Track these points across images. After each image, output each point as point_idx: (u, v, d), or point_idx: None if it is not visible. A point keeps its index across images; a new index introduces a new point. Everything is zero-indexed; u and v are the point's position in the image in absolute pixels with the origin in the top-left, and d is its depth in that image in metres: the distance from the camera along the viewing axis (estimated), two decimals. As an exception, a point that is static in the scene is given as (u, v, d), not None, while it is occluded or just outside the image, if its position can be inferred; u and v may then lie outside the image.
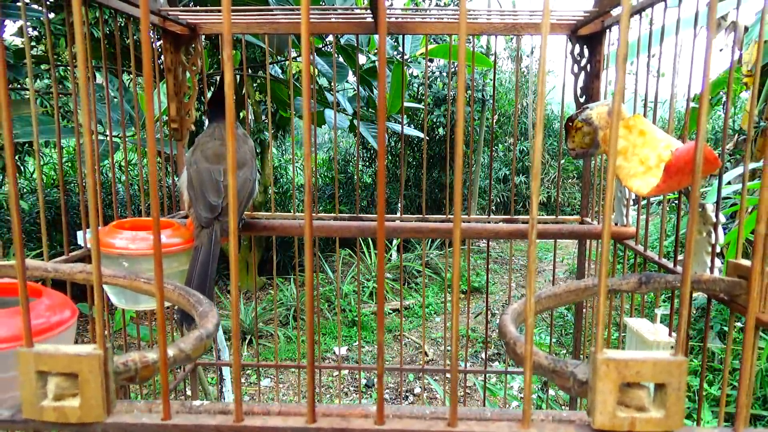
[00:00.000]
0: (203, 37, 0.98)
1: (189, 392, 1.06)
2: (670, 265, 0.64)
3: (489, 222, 0.94)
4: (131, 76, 0.89)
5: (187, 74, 0.99)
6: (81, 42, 0.23)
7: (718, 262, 0.50)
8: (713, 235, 0.50)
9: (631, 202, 0.76)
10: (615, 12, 0.84)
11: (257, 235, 0.92)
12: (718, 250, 0.51)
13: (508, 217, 0.92)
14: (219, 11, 0.94)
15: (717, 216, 0.50)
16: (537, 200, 0.24)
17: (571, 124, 0.62)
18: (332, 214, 0.98)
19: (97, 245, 0.24)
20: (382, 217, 0.25)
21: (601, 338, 0.25)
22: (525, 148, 5.80)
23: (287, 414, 0.27)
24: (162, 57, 0.98)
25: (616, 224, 0.79)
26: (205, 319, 0.37)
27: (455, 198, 0.25)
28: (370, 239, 3.88)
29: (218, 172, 0.74)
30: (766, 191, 0.24)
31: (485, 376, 1.03)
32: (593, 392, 0.25)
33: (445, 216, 0.96)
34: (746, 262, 0.45)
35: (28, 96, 1.81)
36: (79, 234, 0.71)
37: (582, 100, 0.94)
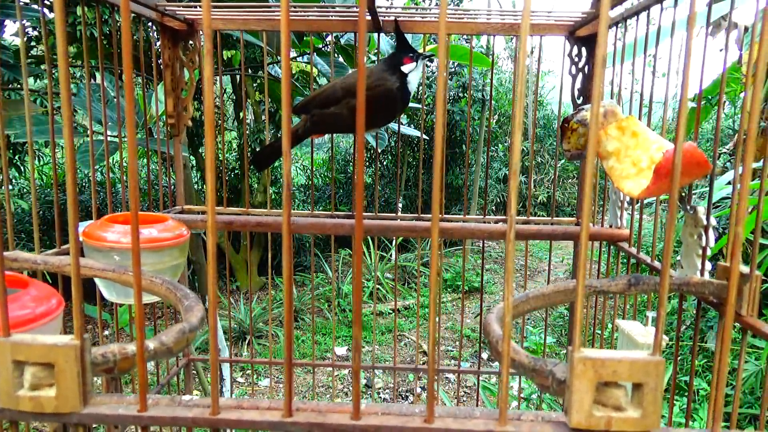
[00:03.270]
0: (201, 32, 0.99)
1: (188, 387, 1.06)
2: (663, 267, 0.64)
3: (485, 222, 0.94)
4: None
5: (185, 70, 0.99)
6: (61, 31, 0.23)
7: (708, 265, 0.50)
8: (704, 237, 0.49)
9: (626, 204, 0.76)
10: (613, 13, 0.83)
11: (252, 230, 0.92)
12: (709, 253, 0.51)
13: (504, 217, 0.92)
14: (217, 6, 0.94)
15: (708, 219, 0.49)
16: (515, 198, 0.24)
17: (566, 125, 0.62)
18: (327, 212, 0.98)
19: (75, 234, 0.24)
20: (360, 213, 0.25)
21: (578, 337, 0.25)
22: (525, 148, 5.79)
23: (264, 409, 0.27)
24: (160, 53, 0.98)
25: (610, 226, 0.79)
26: (189, 313, 0.37)
27: (434, 193, 0.25)
28: (369, 239, 3.88)
29: None
30: (744, 194, 0.24)
31: (478, 376, 1.02)
32: (570, 391, 0.25)
33: (441, 215, 0.96)
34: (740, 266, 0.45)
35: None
36: (73, 228, 0.71)
37: (579, 101, 0.94)
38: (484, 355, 2.88)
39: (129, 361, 0.28)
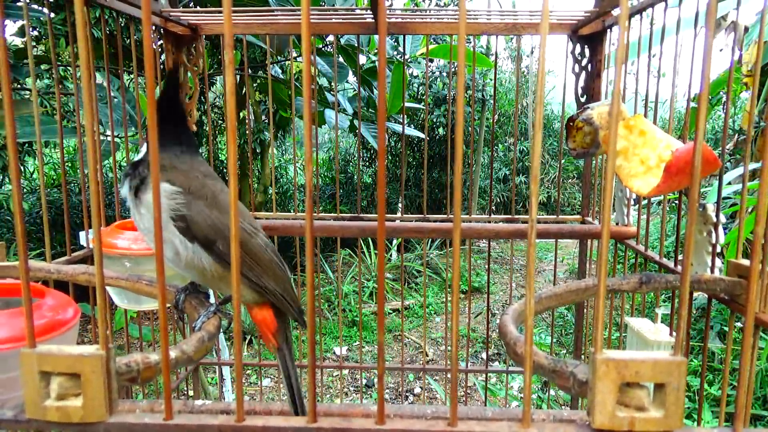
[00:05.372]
0: (204, 37, 0.98)
1: (191, 392, 1.06)
2: (671, 264, 0.64)
3: (489, 222, 0.94)
4: (131, 76, 0.90)
5: (189, 74, 0.99)
6: (83, 40, 0.23)
7: (718, 262, 0.50)
8: (714, 235, 0.50)
9: (632, 202, 0.76)
10: (615, 12, 0.84)
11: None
12: (718, 250, 0.51)
13: (509, 216, 0.92)
14: (220, 12, 0.94)
15: (717, 216, 0.50)
16: (536, 201, 0.25)
17: (571, 123, 0.62)
18: (333, 214, 0.98)
19: (99, 248, 0.24)
20: (382, 216, 0.25)
21: (600, 339, 0.25)
22: (525, 148, 5.81)
23: (289, 414, 0.27)
24: (164, 57, 0.98)
25: (617, 224, 0.79)
26: (207, 321, 0.38)
27: (455, 199, 0.25)
28: (370, 239, 3.88)
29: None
30: (765, 192, 0.25)
31: (486, 375, 1.03)
32: (593, 392, 0.25)
33: (445, 216, 0.96)
34: (746, 262, 0.45)
35: (27, 96, 1.81)
36: (81, 234, 0.72)
37: (583, 99, 0.95)
38: (484, 355, 2.88)
39: (152, 370, 0.28)
